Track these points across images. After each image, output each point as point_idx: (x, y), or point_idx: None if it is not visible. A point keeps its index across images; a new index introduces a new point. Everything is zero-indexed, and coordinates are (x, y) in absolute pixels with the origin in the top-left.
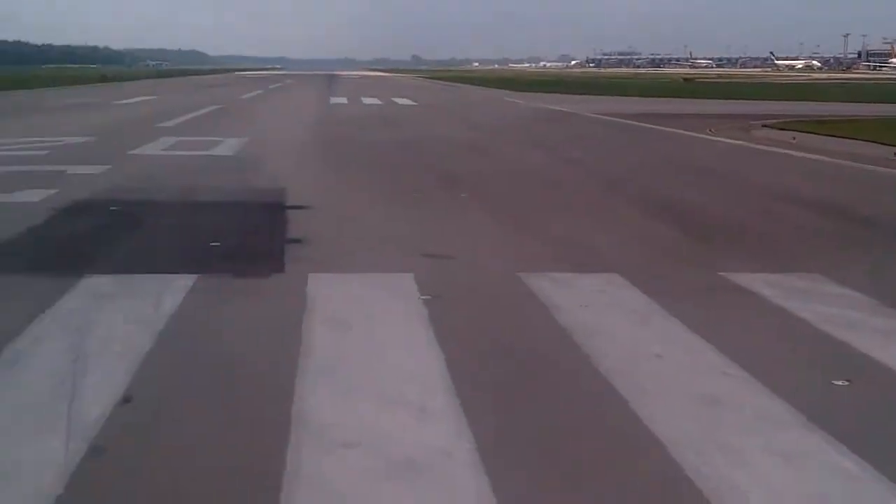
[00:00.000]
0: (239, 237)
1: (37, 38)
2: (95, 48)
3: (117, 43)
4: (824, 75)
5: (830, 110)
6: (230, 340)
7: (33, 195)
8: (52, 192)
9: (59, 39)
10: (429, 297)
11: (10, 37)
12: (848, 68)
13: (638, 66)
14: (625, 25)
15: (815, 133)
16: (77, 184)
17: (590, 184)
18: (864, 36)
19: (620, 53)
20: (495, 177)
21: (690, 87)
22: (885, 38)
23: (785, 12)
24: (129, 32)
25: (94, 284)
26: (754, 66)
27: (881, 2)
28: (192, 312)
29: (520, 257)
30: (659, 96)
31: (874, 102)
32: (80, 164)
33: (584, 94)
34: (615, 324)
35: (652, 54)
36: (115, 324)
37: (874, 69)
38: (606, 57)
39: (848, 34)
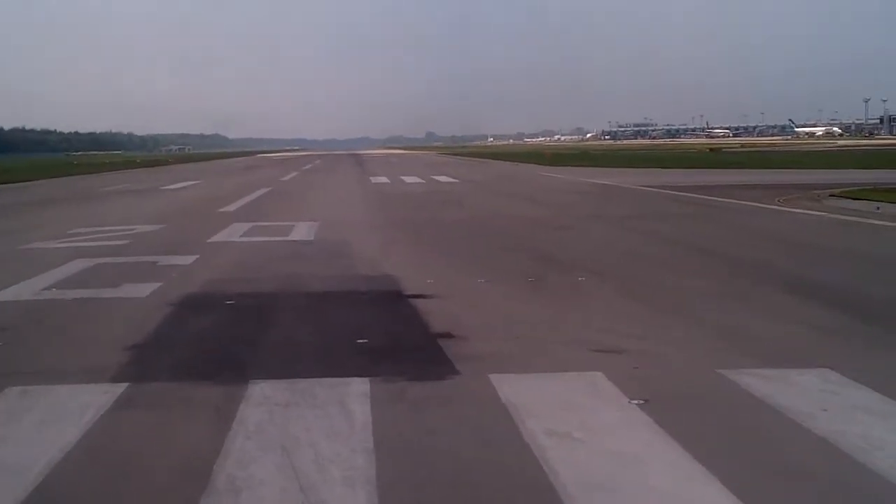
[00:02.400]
0: (381, 332)
1: (64, 125)
2: (119, 134)
3: (140, 129)
4: (849, 142)
5: (882, 178)
6: (458, 457)
7: (139, 290)
8: (157, 285)
9: (84, 126)
10: (640, 401)
11: (38, 125)
12: (871, 134)
13: (654, 137)
14: (640, 96)
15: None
16: (176, 276)
17: (703, 263)
18: (884, 101)
19: (636, 125)
20: (596, 256)
21: (722, 158)
22: None
23: (802, 79)
24: (151, 118)
25: (266, 392)
26: (772, 134)
27: None
28: (392, 425)
29: (700, 350)
30: (693, 167)
31: None
32: (167, 255)
33: (616, 166)
34: (876, 431)
35: (668, 125)
36: (317, 440)
37: None
38: (622, 129)
39: (868, 99)
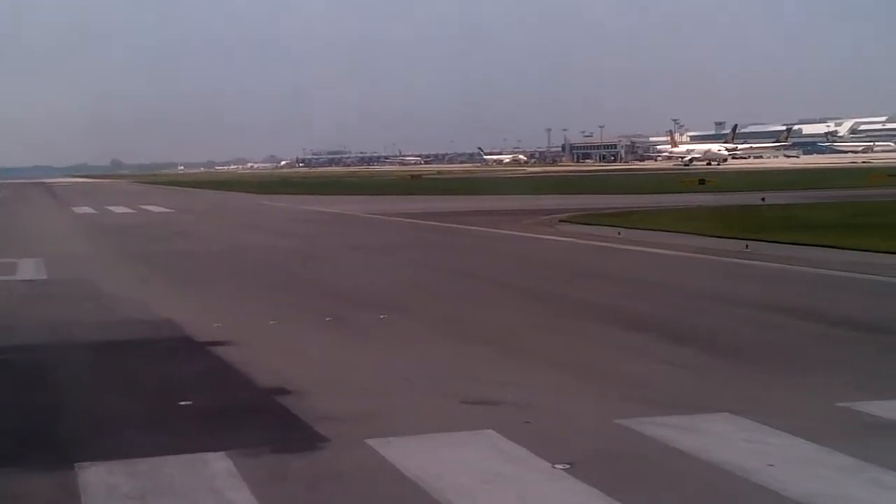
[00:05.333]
0: (201, 390)
1: None
2: None
3: None
4: (537, 168)
5: (583, 202)
6: None
7: None
8: None
9: None
10: (566, 465)
11: None
12: (555, 161)
13: (348, 164)
14: (333, 125)
15: (625, 227)
16: None
17: (502, 295)
18: (565, 130)
19: (330, 152)
20: (382, 290)
21: (428, 185)
22: (583, 132)
23: (489, 109)
24: None
25: (103, 478)
26: (461, 161)
27: (575, 99)
28: None
29: (579, 397)
30: (405, 194)
31: (616, 193)
32: None
33: (331, 194)
34: (834, 484)
35: (361, 152)
36: None
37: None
38: (316, 156)
39: (550, 129)
